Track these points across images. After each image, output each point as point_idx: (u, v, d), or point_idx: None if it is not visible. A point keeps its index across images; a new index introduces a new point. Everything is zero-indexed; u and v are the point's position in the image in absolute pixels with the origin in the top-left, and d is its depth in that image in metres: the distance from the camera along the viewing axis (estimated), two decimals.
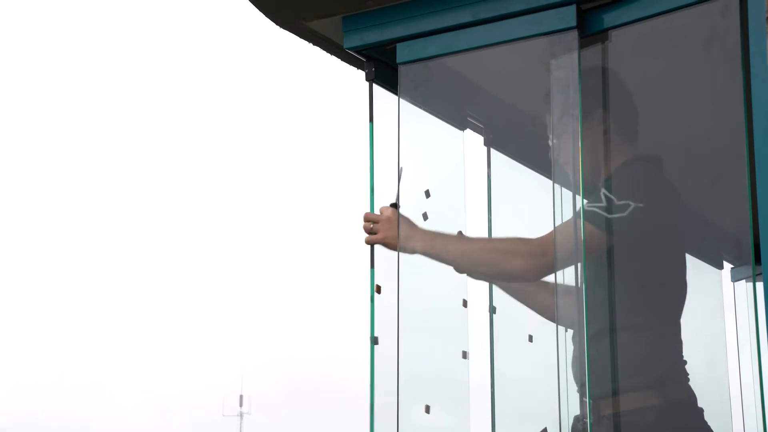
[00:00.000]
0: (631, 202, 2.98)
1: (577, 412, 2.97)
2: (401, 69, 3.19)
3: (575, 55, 2.94)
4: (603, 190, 2.98)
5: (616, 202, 2.97)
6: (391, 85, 3.24)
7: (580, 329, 2.90)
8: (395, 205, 3.14)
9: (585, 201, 2.98)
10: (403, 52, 3.19)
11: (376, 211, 3.15)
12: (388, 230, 3.10)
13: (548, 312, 3.24)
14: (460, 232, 3.25)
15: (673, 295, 3.14)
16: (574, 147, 2.95)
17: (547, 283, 3.15)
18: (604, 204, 2.96)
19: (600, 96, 3.12)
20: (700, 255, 4.13)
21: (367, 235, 3.13)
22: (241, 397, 24.98)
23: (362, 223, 3.15)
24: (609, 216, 2.95)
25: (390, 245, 3.10)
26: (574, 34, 2.95)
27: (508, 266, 3.04)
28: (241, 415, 24.87)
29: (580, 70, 2.93)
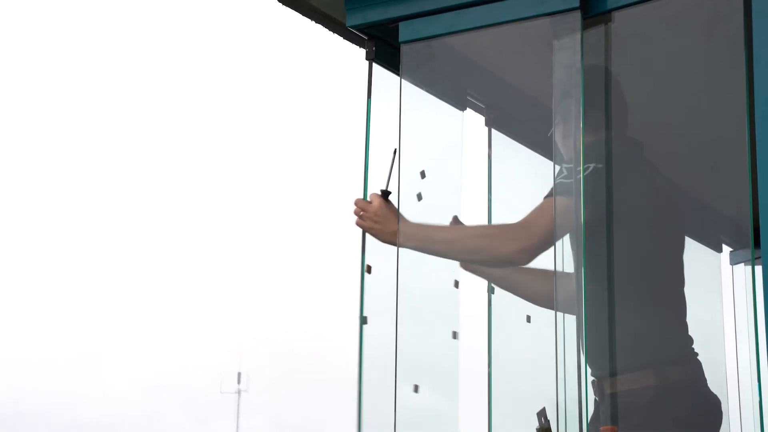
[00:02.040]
0: (590, 164, 2.98)
1: (576, 392, 2.98)
2: (403, 48, 3.19)
3: (578, 36, 2.94)
4: (564, 164, 2.98)
5: (576, 167, 2.98)
6: (393, 65, 3.24)
7: (579, 307, 2.91)
8: (386, 193, 3.14)
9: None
10: (405, 30, 3.18)
11: (370, 190, 3.16)
12: (374, 223, 3.10)
13: (536, 297, 3.27)
14: (455, 217, 3.25)
15: (663, 269, 3.16)
16: (575, 127, 2.95)
17: (534, 270, 3.17)
18: (565, 173, 2.96)
19: (602, 79, 3.12)
20: (699, 238, 4.14)
21: (357, 218, 3.14)
22: (239, 374, 25.01)
23: (354, 204, 3.16)
24: (568, 181, 2.94)
25: (377, 238, 3.11)
26: (577, 14, 2.95)
27: (499, 250, 3.04)
28: (239, 392, 24.91)
29: (582, 51, 2.93)
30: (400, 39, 3.18)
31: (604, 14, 3.00)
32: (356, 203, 3.14)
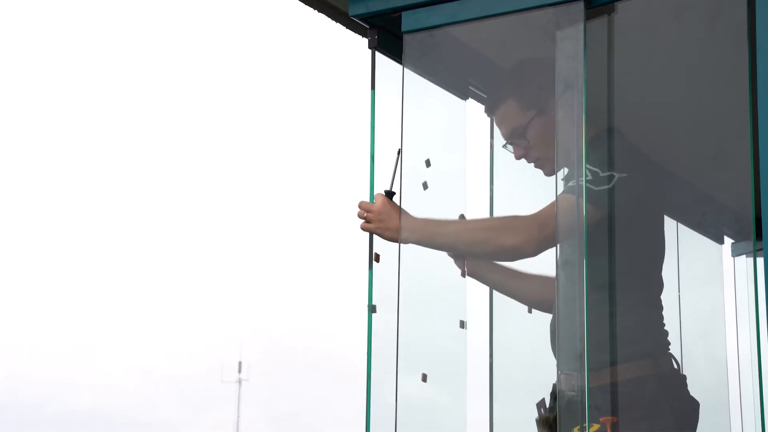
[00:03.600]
0: (615, 174, 2.99)
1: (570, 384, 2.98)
2: (406, 38, 3.19)
3: (581, 26, 2.94)
4: (586, 165, 2.98)
5: (601, 174, 2.98)
6: (396, 54, 3.24)
7: (580, 303, 2.91)
8: (390, 193, 3.12)
9: (570, 177, 2.99)
10: (408, 20, 3.18)
11: (376, 181, 3.16)
12: (379, 222, 3.08)
13: (535, 304, 3.27)
14: (462, 216, 3.25)
15: (657, 263, 3.18)
16: (577, 120, 2.95)
17: (533, 276, 3.20)
18: (590, 178, 2.96)
19: (605, 69, 3.12)
20: (700, 229, 4.14)
21: (362, 222, 3.12)
22: (239, 363, 25.05)
23: (358, 207, 3.13)
24: (596, 188, 2.95)
25: (382, 237, 3.09)
26: (580, 5, 2.95)
27: (505, 241, 3.04)
28: (239, 381, 24.94)
29: (585, 42, 2.93)
30: (403, 29, 3.17)
31: (607, 5, 2.99)
32: (360, 206, 3.12)
